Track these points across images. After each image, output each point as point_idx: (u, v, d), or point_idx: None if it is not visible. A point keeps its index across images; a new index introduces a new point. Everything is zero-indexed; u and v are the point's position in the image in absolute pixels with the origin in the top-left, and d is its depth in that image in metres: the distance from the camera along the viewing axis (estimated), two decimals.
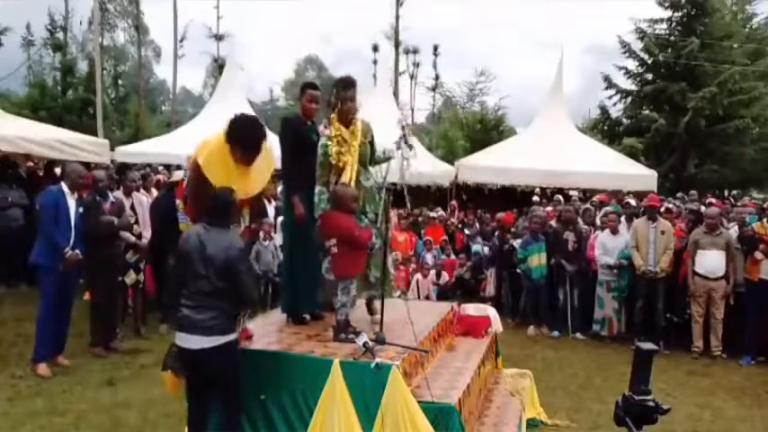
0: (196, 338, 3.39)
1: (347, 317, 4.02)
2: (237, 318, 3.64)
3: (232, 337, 3.49)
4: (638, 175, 12.93)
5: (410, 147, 4.30)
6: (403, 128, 4.31)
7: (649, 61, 22.21)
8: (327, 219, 4.02)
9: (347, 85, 4.24)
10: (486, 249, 9.96)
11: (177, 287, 3.57)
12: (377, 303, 4.40)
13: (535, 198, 12.51)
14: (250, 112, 9.04)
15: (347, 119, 4.23)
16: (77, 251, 5.61)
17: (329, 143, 4.16)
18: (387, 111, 11.76)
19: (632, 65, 22.81)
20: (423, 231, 10.73)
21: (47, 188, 6.03)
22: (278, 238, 8.33)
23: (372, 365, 3.40)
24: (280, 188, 9.54)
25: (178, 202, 3.66)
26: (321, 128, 4.38)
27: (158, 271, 7.20)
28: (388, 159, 4.50)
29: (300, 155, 4.39)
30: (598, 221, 8.72)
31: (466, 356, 4.64)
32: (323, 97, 4.51)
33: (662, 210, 8.13)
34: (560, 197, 11.79)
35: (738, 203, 11.13)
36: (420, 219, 11.32)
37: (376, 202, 4.36)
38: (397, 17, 30.87)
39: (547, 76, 18.02)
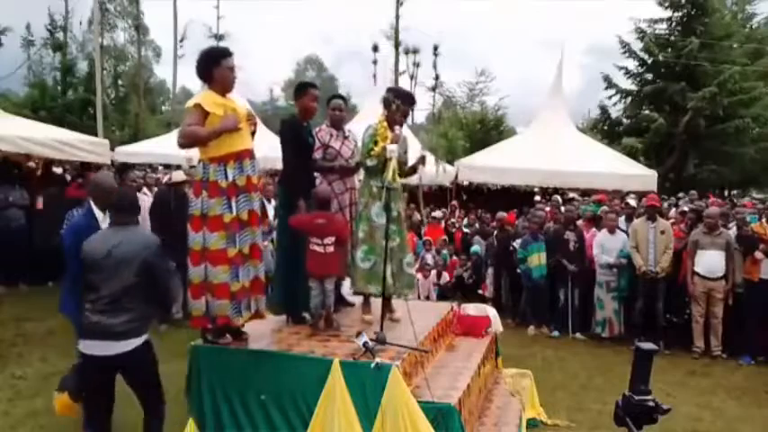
0: (112, 344, 3.25)
1: (329, 309, 4.25)
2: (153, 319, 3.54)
3: (146, 336, 3.41)
4: (638, 175, 12.94)
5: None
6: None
7: (649, 61, 22.26)
8: (332, 219, 4.20)
9: (412, 102, 4.69)
10: (485, 249, 9.95)
11: (84, 293, 3.37)
12: (395, 302, 4.62)
13: (537, 198, 12.51)
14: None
15: (393, 125, 4.49)
16: None
17: (377, 130, 4.41)
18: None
19: (632, 65, 22.90)
20: (423, 231, 10.73)
21: (71, 216, 4.65)
22: None
23: (372, 365, 3.41)
24: None
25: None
26: (351, 126, 4.79)
27: None
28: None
29: (300, 156, 4.44)
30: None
31: (466, 356, 4.65)
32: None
33: (678, 212, 8.14)
34: (558, 198, 11.79)
35: (738, 203, 11.13)
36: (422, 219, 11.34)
37: (401, 201, 4.59)
38: (397, 17, 30.86)
39: (547, 76, 18.09)
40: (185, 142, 3.65)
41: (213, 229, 3.61)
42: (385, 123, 4.49)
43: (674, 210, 10.13)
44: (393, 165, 4.21)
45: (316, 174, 4.68)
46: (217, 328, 3.82)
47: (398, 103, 4.49)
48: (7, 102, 24.51)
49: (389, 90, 4.76)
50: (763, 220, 7.92)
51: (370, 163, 4.43)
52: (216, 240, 3.62)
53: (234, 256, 3.65)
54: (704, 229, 7.39)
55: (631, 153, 17.80)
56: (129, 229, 3.41)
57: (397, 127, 4.49)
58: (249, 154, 3.75)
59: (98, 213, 4.09)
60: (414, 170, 4.71)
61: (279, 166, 4.78)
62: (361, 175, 4.76)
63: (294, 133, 4.45)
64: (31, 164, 10.71)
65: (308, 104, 4.52)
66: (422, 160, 4.68)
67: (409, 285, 4.61)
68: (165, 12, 46.00)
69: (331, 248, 4.13)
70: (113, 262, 3.27)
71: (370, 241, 4.39)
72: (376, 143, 4.39)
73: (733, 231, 7.63)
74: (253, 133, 3.91)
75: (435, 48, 34.03)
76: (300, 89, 4.64)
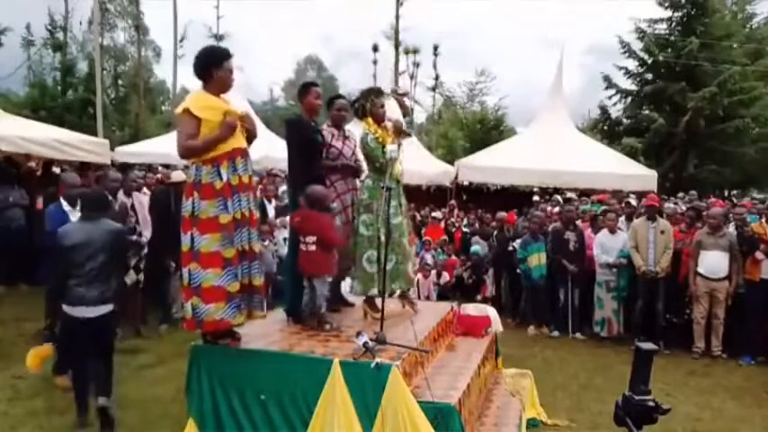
0: (93, 308, 4.23)
1: (320, 309, 4.22)
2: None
3: (114, 305, 4.43)
4: (638, 175, 12.95)
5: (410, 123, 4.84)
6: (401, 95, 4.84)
7: (649, 61, 22.26)
8: (309, 218, 4.15)
9: (380, 93, 4.78)
10: (485, 249, 9.95)
11: (67, 274, 4.22)
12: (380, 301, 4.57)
13: (536, 198, 12.50)
14: (250, 111, 9.01)
15: (380, 121, 4.66)
16: None
17: (376, 135, 4.53)
18: (387, 110, 11.80)
19: (632, 65, 22.91)
20: (423, 231, 10.74)
21: (48, 210, 5.46)
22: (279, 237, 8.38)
23: (372, 365, 3.40)
24: (282, 188, 9.58)
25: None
26: (365, 128, 4.64)
27: (155, 270, 7.19)
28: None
29: (308, 157, 4.44)
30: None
31: (466, 356, 4.64)
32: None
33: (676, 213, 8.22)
34: (559, 198, 11.80)
35: (738, 203, 11.13)
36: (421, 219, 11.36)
37: (399, 197, 4.64)
38: (397, 17, 30.82)
39: (547, 76, 18.11)
40: (186, 155, 3.64)
41: (205, 231, 3.54)
42: (374, 126, 4.58)
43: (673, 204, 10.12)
44: (396, 165, 4.23)
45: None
46: (204, 333, 3.79)
47: (372, 99, 4.63)
48: (7, 102, 24.51)
49: (353, 102, 4.77)
50: (763, 220, 7.91)
51: (385, 157, 4.48)
52: (208, 243, 3.54)
53: (232, 257, 3.59)
54: (708, 229, 7.38)
55: (631, 153, 17.81)
56: (100, 220, 4.37)
57: (386, 120, 4.64)
58: (241, 152, 3.67)
59: (66, 206, 5.45)
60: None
61: (279, 166, 4.81)
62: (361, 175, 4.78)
63: (300, 133, 4.45)
64: (31, 164, 10.71)
65: (313, 101, 4.54)
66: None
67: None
68: (165, 12, 45.88)
69: (312, 247, 4.09)
70: (91, 246, 4.21)
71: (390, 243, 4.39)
72: (383, 148, 4.47)
73: (732, 231, 7.62)
74: (251, 138, 3.84)
75: (435, 48, 34.03)
76: (304, 88, 4.66)
